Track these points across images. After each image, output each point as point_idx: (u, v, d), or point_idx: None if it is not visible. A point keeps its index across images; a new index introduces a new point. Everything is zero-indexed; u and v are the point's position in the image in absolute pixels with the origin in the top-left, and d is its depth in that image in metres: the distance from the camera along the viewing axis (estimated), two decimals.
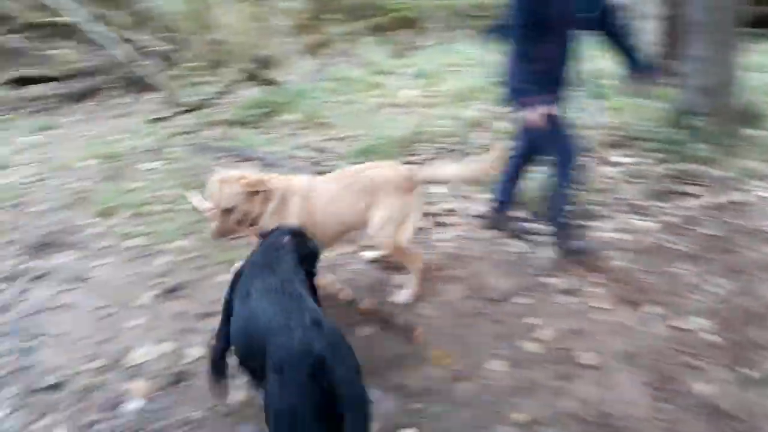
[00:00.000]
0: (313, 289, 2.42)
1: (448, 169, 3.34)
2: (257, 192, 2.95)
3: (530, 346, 2.84)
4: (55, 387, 2.83)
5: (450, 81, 6.53)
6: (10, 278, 3.85)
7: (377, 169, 3.12)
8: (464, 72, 6.81)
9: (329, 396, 1.77)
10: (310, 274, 2.51)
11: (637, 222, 3.84)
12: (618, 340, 2.83)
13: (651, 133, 4.57)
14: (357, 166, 3.20)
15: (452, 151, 4.95)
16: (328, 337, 1.91)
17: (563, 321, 3.00)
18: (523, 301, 3.19)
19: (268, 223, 2.92)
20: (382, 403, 2.54)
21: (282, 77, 7.58)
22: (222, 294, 2.45)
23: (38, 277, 3.83)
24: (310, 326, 1.92)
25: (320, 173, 4.73)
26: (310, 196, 3.05)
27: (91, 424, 2.59)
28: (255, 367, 2.10)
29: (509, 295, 3.25)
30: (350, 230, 3.23)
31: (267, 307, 2.04)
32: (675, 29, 5.06)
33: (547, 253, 3.60)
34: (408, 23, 9.58)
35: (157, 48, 8.62)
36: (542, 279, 3.37)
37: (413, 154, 5.00)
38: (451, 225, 4.02)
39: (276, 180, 3.08)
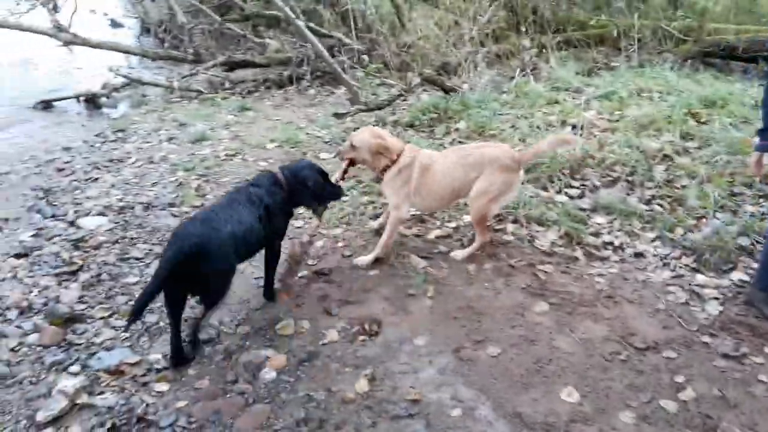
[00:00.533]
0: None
1: (543, 143, 3.83)
2: (380, 153, 3.76)
3: (668, 405, 2.56)
4: (208, 342, 3.20)
5: (638, 107, 6.07)
6: None
7: (489, 148, 3.82)
8: (657, 99, 6.27)
9: None
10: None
11: None
12: None
13: None
14: (473, 144, 4.08)
15: (624, 180, 4.61)
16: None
17: (715, 387, 2.66)
18: (673, 356, 2.89)
19: (386, 179, 3.86)
20: (496, 426, 2.50)
21: (462, 85, 7.65)
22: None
23: None
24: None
25: None
26: (431, 166, 3.76)
27: (233, 381, 2.88)
28: None
29: (658, 346, 2.96)
30: (460, 197, 3.87)
31: None
32: None
33: (715, 309, 3.22)
34: (605, 41, 9.08)
35: (352, 46, 9.22)
36: (703, 337, 3.02)
37: (581, 178, 4.76)
38: (606, 259, 3.76)
39: (407, 148, 3.86)
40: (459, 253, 3.87)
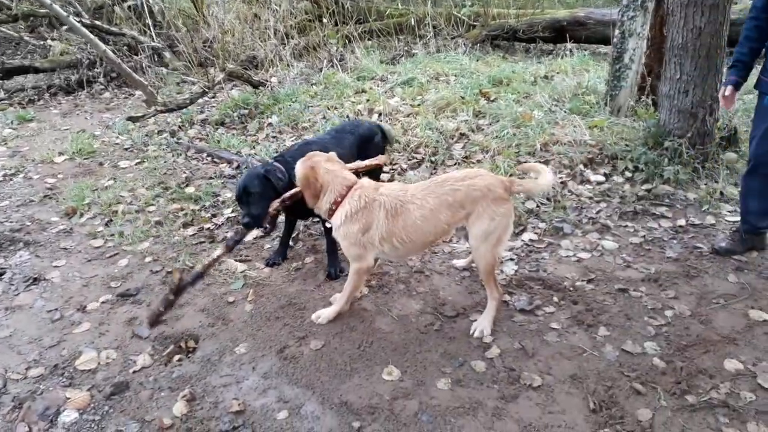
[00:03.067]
0: None
1: (542, 180, 3.02)
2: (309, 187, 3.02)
3: (478, 365, 2.77)
4: None
5: (435, 91, 6.47)
6: None
7: (478, 178, 2.95)
8: (452, 82, 6.74)
9: None
10: None
11: (603, 242, 3.78)
12: (567, 363, 2.77)
13: (628, 153, 4.51)
14: (454, 174, 3.03)
15: (428, 161, 4.88)
16: None
17: (516, 341, 2.94)
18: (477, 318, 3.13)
19: (334, 225, 3.05)
20: (323, 420, 2.49)
21: (271, 79, 7.51)
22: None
23: None
24: None
25: None
26: (403, 208, 2.93)
27: None
28: None
29: (465, 312, 3.19)
30: (444, 238, 3.41)
31: None
32: (660, 49, 5.00)
33: (511, 269, 3.54)
34: (404, 29, 9.51)
35: (147, 44, 8.55)
36: (503, 297, 3.31)
37: (390, 163, 4.94)
38: None
39: (360, 185, 3.02)
40: (482, 327, 3.03)
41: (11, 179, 5.22)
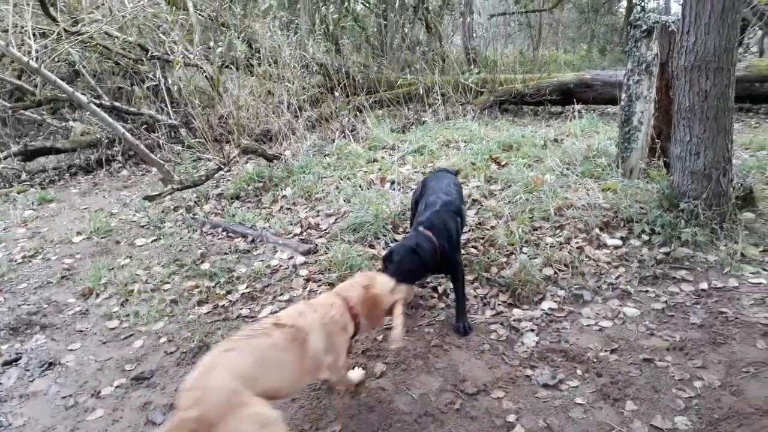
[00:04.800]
0: None
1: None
2: None
3: None
4: None
5: (447, 157, 6.56)
6: None
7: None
8: (463, 148, 6.85)
9: None
10: None
11: (624, 309, 3.69)
12: None
13: (643, 215, 4.47)
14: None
15: None
16: None
17: (540, 419, 2.82)
18: (501, 395, 3.02)
19: None
20: None
21: (284, 152, 7.69)
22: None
23: (10, 362, 3.75)
24: None
25: (305, 253, 4.78)
26: None
27: None
28: None
29: (487, 388, 3.08)
30: None
31: None
32: (668, 111, 5.05)
33: (532, 340, 3.45)
34: (414, 98, 9.78)
35: (164, 122, 8.85)
36: (525, 371, 3.21)
37: (404, 231, 4.95)
38: (432, 308, 3.89)
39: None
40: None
41: (30, 261, 5.29)
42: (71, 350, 3.82)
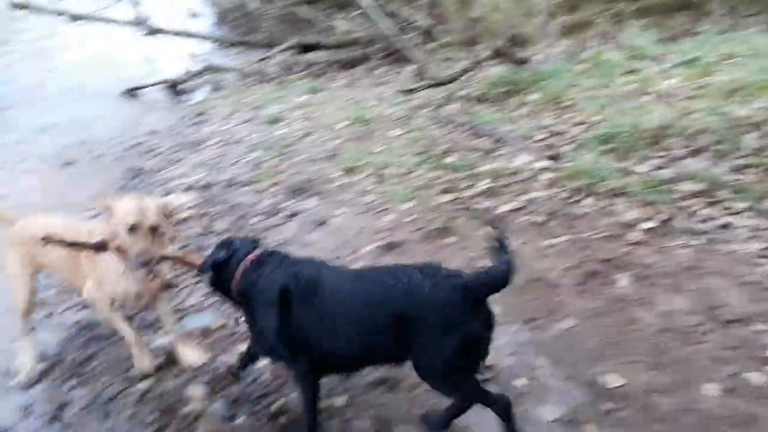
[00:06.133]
0: None
1: None
2: None
3: (754, 378, 2.45)
4: None
5: (725, 73, 5.69)
6: (270, 213, 4.61)
7: None
8: (746, 64, 5.85)
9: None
10: None
11: None
12: None
13: None
14: None
15: (709, 150, 4.36)
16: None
17: None
18: (764, 329, 2.75)
19: None
20: (570, 393, 2.50)
21: (533, 57, 7.46)
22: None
23: (291, 216, 4.53)
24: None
25: (552, 157, 4.72)
26: None
27: None
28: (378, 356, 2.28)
29: (746, 319, 2.82)
30: None
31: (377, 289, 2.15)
32: None
33: None
34: (685, 5, 8.53)
35: (419, 23, 9.18)
36: None
37: (663, 149, 4.55)
38: (690, 231, 3.59)
39: None
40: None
41: (305, 139, 6.15)
42: (337, 215, 4.45)
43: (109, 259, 2.67)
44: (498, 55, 7.23)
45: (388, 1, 9.82)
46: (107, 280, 2.74)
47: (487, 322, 2.11)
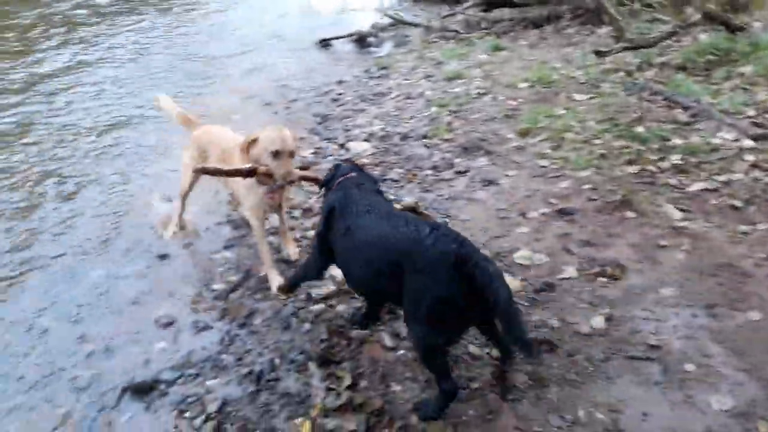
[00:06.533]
0: None
1: None
2: None
3: None
4: None
5: None
6: (440, 168, 4.72)
7: None
8: None
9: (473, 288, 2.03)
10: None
11: None
12: None
13: None
14: None
15: None
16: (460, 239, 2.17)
17: None
18: None
19: None
20: (745, 386, 2.32)
21: (753, 24, 6.52)
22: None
23: (461, 172, 4.60)
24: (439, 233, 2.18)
25: (757, 138, 4.20)
26: None
27: None
28: (379, 289, 2.50)
29: None
30: None
31: (388, 229, 2.32)
32: None
33: None
34: None
35: None
36: None
37: None
38: None
39: None
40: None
41: (482, 98, 6.11)
42: (507, 175, 4.43)
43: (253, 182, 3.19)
44: (709, 19, 6.46)
45: None
46: (256, 200, 3.29)
47: (474, 296, 2.05)
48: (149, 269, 3.73)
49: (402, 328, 2.87)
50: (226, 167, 3.16)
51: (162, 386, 2.73)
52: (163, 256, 3.84)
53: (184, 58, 8.58)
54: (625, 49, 5.67)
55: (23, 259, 3.83)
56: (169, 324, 3.18)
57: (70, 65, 7.98)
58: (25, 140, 5.68)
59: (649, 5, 7.18)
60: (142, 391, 2.71)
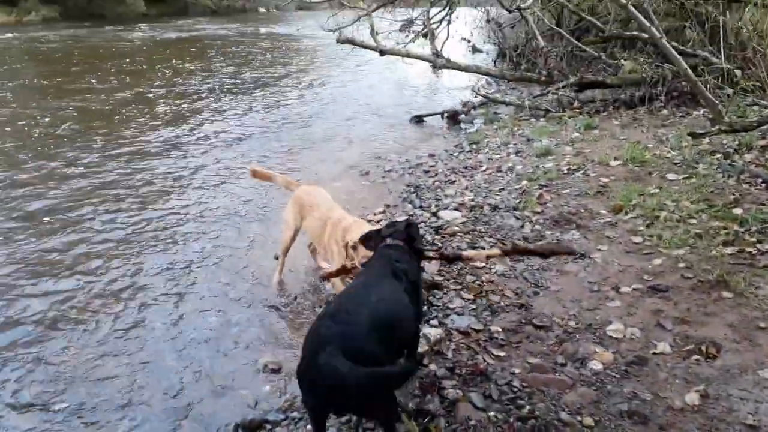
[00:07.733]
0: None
1: None
2: None
3: None
4: (541, 327, 3.57)
5: None
6: (531, 239, 4.85)
7: None
8: None
9: None
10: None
11: None
12: None
13: None
14: None
15: None
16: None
17: None
18: None
19: None
20: None
21: None
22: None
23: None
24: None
25: None
26: None
27: (562, 364, 3.18)
28: None
29: None
30: None
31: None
32: None
33: None
34: None
35: (718, 64, 8.44)
36: None
37: None
38: None
39: None
40: None
41: (573, 173, 6.25)
42: (599, 250, 4.49)
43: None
44: None
45: (682, 41, 9.28)
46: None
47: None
48: (258, 319, 4.09)
49: (493, 389, 2.99)
50: (335, 269, 3.55)
51: (268, 426, 2.99)
52: (271, 307, 4.20)
53: (301, 125, 9.54)
54: (723, 131, 5.65)
55: (142, 302, 4.34)
56: (276, 370, 3.47)
57: (208, 133, 9.09)
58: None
59: (745, 90, 7.11)
60: (252, 429, 2.98)
